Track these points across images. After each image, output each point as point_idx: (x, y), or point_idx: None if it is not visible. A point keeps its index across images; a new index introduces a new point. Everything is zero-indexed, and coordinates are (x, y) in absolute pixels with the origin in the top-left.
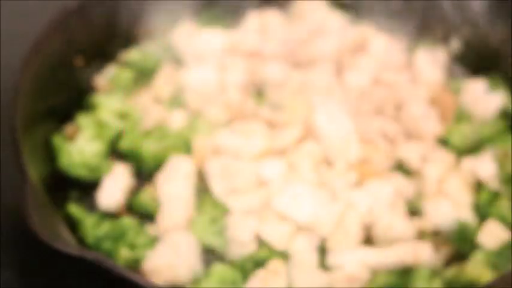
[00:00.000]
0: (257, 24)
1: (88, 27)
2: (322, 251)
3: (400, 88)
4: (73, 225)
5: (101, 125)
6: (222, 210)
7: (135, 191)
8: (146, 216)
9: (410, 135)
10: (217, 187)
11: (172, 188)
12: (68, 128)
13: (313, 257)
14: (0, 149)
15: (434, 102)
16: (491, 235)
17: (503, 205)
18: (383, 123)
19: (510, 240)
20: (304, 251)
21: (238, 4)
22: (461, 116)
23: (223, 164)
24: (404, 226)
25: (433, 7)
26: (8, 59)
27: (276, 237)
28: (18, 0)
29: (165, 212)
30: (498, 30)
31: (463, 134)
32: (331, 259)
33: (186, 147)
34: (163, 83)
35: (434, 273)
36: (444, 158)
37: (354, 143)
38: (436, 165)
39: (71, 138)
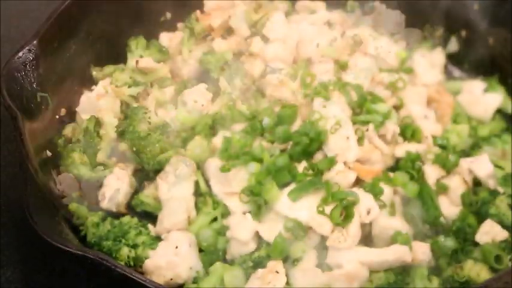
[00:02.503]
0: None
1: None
2: (322, 250)
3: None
4: (75, 225)
5: (101, 125)
6: (222, 210)
7: (135, 191)
8: (147, 216)
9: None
10: (217, 187)
11: (172, 188)
12: (69, 128)
13: (312, 257)
14: (1, 149)
15: (432, 102)
16: (489, 234)
17: (501, 204)
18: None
19: (508, 239)
20: (304, 250)
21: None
22: (459, 117)
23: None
24: (402, 226)
25: (432, 8)
26: (8, 58)
27: (275, 236)
28: (18, 0)
29: (166, 211)
30: (498, 30)
31: (461, 134)
32: (331, 258)
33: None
34: (164, 83)
35: (433, 272)
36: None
37: (354, 143)
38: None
39: (71, 138)
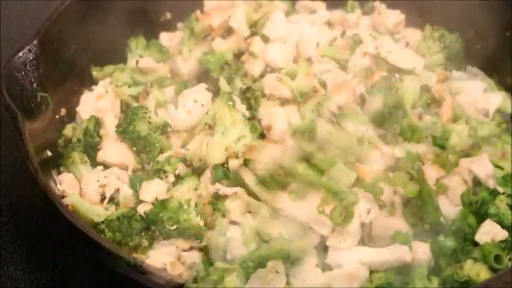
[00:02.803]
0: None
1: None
2: (322, 250)
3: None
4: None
5: (101, 125)
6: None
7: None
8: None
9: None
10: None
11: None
12: (69, 128)
13: (312, 257)
14: (1, 149)
15: (432, 102)
16: (489, 234)
17: (501, 204)
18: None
19: (508, 239)
20: (304, 250)
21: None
22: (459, 117)
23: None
24: (402, 226)
25: (433, 8)
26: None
27: (276, 234)
28: (18, 0)
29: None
30: (498, 30)
31: (461, 134)
32: (331, 258)
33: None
34: (164, 83)
35: (433, 272)
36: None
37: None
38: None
39: (71, 138)
